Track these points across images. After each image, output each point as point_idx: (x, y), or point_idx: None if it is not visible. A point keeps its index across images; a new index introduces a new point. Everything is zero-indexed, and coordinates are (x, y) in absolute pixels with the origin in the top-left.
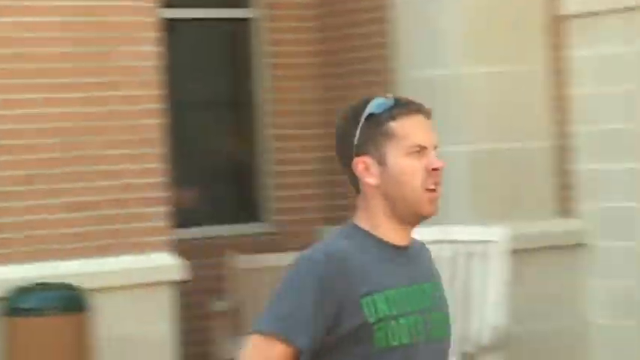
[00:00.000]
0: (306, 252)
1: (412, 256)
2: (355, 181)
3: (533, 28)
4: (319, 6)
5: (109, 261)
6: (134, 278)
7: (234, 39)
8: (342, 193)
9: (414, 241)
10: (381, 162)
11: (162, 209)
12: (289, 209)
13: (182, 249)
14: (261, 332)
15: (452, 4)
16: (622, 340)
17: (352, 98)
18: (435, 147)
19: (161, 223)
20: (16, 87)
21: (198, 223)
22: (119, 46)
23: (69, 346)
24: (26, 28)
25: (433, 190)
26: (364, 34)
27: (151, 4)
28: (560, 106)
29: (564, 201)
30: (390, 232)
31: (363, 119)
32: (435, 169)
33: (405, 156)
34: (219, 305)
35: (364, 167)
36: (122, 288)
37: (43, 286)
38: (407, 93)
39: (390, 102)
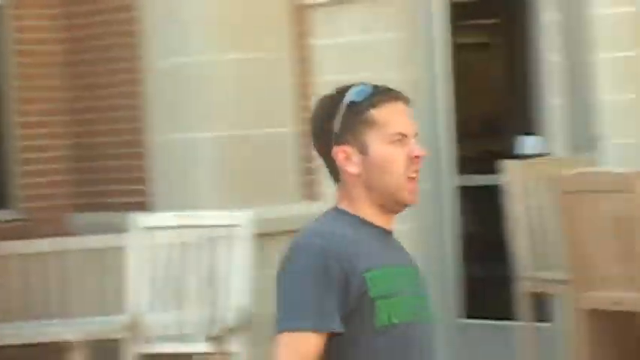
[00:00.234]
0: (296, 241)
1: (395, 241)
2: (334, 171)
3: (279, 16)
4: None
5: None
6: None
7: None
8: (91, 180)
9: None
10: (363, 151)
11: None
12: (38, 196)
13: None
14: (290, 330)
15: None
16: None
17: (99, 86)
18: (416, 134)
19: None
20: None
21: None
22: None
23: None
24: None
25: (414, 179)
26: (110, 21)
27: None
28: (304, 93)
29: (308, 185)
30: (373, 217)
31: (342, 107)
32: (417, 157)
33: (387, 144)
34: None
35: (345, 156)
36: None
37: None
38: (154, 81)
39: (369, 89)
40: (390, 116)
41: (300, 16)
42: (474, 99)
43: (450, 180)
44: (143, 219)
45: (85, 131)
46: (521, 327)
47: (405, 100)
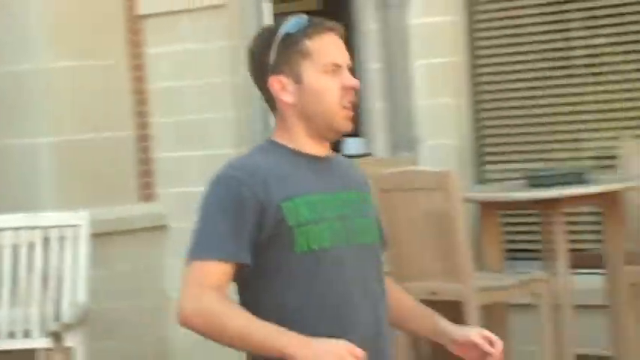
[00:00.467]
0: (216, 174)
1: (332, 166)
2: (271, 101)
3: (115, 25)
4: None
5: None
6: None
7: None
8: None
9: (337, 156)
10: (297, 80)
11: None
12: None
13: None
14: (199, 258)
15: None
16: None
17: None
18: (349, 66)
19: None
20: None
21: None
22: None
23: None
24: None
25: (348, 108)
26: None
27: None
28: (139, 99)
29: (145, 187)
30: (307, 146)
31: (278, 39)
32: (350, 88)
33: (321, 74)
34: None
35: (280, 86)
36: None
37: None
38: None
39: (304, 21)
40: (324, 47)
41: (134, 26)
42: None
43: None
44: None
45: None
46: None
47: (339, 32)
